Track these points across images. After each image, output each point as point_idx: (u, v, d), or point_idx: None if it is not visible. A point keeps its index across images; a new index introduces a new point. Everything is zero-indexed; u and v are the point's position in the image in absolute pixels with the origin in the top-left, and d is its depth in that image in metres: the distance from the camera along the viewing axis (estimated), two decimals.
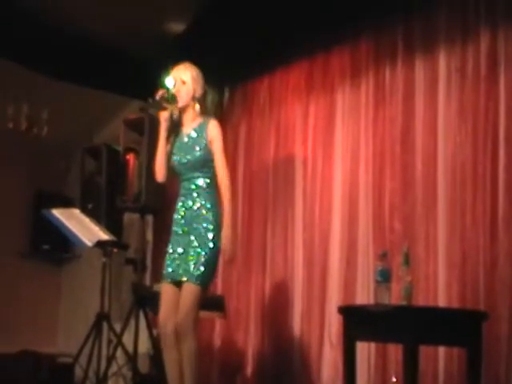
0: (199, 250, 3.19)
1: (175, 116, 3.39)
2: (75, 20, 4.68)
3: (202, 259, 3.17)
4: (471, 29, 3.58)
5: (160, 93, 3.33)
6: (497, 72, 3.43)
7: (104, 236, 4.40)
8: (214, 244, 3.21)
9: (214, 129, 3.32)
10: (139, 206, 4.74)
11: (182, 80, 3.37)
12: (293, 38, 4.39)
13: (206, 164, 3.31)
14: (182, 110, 3.39)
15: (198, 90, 3.38)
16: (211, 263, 3.21)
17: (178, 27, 4.78)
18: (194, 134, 3.33)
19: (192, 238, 3.22)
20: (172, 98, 3.32)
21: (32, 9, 4.53)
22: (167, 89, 3.33)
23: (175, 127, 3.40)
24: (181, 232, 3.27)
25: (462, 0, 3.63)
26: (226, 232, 3.23)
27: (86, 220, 4.48)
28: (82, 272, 5.95)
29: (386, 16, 3.98)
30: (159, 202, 4.82)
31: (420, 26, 3.82)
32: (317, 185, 4.26)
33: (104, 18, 4.68)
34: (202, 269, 3.16)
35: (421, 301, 3.39)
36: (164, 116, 3.35)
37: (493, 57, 3.45)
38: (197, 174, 3.30)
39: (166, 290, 3.25)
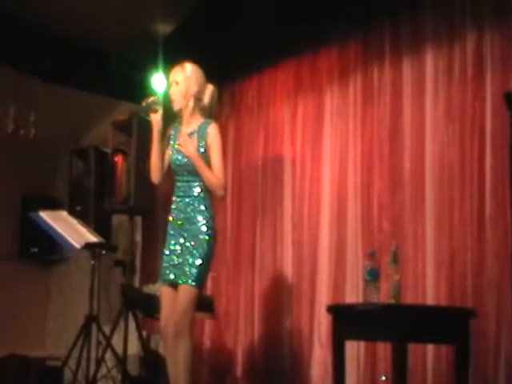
0: (193, 251, 3.21)
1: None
2: (62, 21, 4.66)
3: (197, 261, 3.20)
4: (457, 30, 3.61)
5: (150, 99, 3.35)
6: (483, 72, 3.45)
7: (92, 238, 4.39)
8: (208, 245, 3.24)
9: (213, 134, 3.31)
10: (128, 207, 4.73)
11: (175, 81, 3.37)
12: (281, 38, 4.40)
13: None
14: (179, 112, 3.38)
15: (191, 88, 3.34)
16: (205, 264, 3.24)
17: (165, 28, 4.77)
18: (193, 137, 3.32)
19: (186, 240, 3.25)
20: (160, 103, 3.35)
21: (18, 10, 4.50)
22: (157, 94, 3.36)
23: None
24: (175, 234, 3.29)
25: (448, 1, 3.66)
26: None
27: (74, 222, 4.46)
28: (71, 274, 5.92)
29: (374, 17, 4.01)
30: (148, 203, 4.81)
31: (407, 27, 3.84)
32: (305, 184, 4.28)
33: (92, 19, 4.66)
34: (197, 270, 3.19)
35: (409, 299, 3.41)
36: (156, 119, 3.35)
37: (479, 57, 3.48)
38: (193, 178, 3.30)
39: (164, 292, 3.29)
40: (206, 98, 3.39)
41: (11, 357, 5.18)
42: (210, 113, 3.44)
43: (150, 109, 3.36)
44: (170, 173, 3.43)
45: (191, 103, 3.35)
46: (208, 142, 3.30)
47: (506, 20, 3.35)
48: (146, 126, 4.52)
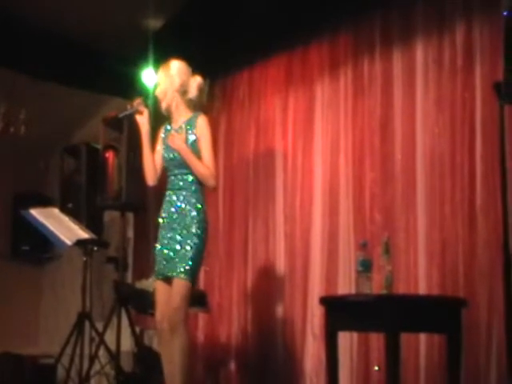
0: (185, 245, 3.21)
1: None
2: (52, 18, 4.65)
3: (189, 254, 3.19)
4: (447, 21, 3.61)
5: (136, 101, 3.36)
6: (473, 63, 3.46)
7: (84, 235, 4.36)
8: (199, 239, 3.23)
9: (202, 125, 3.31)
10: (119, 203, 4.70)
11: (159, 82, 3.41)
12: (272, 32, 4.39)
13: None
14: (167, 111, 3.40)
15: (174, 83, 3.35)
16: (197, 258, 3.23)
17: (155, 23, 4.76)
18: (182, 131, 3.32)
19: (178, 233, 3.24)
20: (148, 103, 3.41)
21: (8, 8, 4.48)
22: (144, 94, 3.38)
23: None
24: (167, 228, 3.29)
25: None
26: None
27: (65, 219, 4.44)
28: (63, 271, 5.91)
29: (364, 9, 4.00)
30: (140, 199, 4.78)
31: (397, 19, 3.85)
32: (297, 177, 4.28)
33: (81, 16, 4.65)
34: (190, 264, 3.18)
35: (401, 289, 3.41)
36: (142, 121, 3.36)
37: (468, 48, 3.49)
38: (184, 171, 3.30)
39: (158, 287, 3.29)
40: (193, 90, 3.38)
41: (4, 355, 5.17)
42: (200, 105, 3.43)
43: (136, 111, 3.37)
44: (162, 169, 3.44)
45: (176, 98, 3.36)
46: (197, 134, 3.30)
47: (494, 11, 3.35)
48: (136, 124, 4.55)
